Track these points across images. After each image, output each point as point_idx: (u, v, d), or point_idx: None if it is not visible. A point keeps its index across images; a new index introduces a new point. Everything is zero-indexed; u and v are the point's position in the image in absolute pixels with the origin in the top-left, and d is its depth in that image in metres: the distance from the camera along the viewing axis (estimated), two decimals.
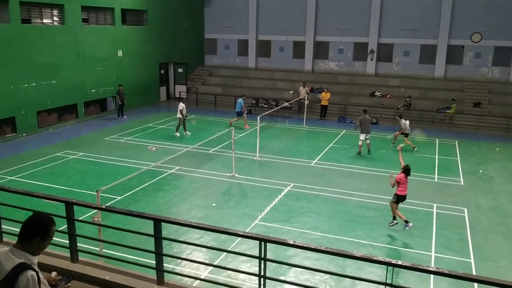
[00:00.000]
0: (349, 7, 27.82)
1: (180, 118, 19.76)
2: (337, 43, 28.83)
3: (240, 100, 22.07)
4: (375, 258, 4.44)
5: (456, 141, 20.13)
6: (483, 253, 10.06)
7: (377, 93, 26.15)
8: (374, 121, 19.23)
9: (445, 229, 11.19)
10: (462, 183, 14.72)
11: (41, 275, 3.22)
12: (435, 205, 12.68)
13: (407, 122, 18.56)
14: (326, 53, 29.32)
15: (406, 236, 10.77)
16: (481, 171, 16.07)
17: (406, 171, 11.13)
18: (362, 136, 17.44)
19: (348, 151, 18.18)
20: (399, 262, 4.30)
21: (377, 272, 8.65)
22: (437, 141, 20.07)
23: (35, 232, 3.21)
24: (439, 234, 10.91)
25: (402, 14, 26.75)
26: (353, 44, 28.44)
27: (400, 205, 11.21)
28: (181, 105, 19.78)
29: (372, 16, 27.37)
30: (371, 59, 27.93)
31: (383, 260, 4.36)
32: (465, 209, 12.44)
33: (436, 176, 15.37)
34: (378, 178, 14.88)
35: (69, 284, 3.51)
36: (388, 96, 25.78)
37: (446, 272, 4.14)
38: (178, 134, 19.95)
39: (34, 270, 3.14)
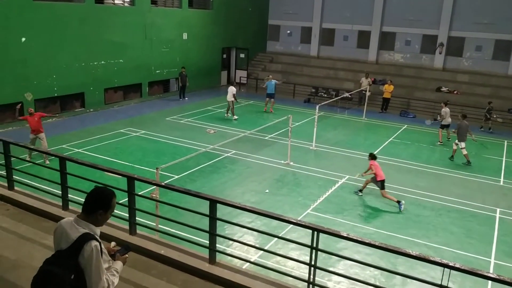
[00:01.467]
0: None
1: (232, 101, 19.97)
2: (405, 35, 27.79)
3: (273, 81, 22.16)
4: (431, 259, 4.30)
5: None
6: None
7: (443, 89, 25.01)
8: (438, 118, 18.41)
9: (508, 236, 10.61)
10: None
11: (102, 246, 3.38)
12: (498, 209, 12.03)
13: (448, 110, 18.07)
14: (392, 44, 28.37)
15: (465, 239, 10.33)
16: None
17: (373, 156, 12.25)
18: (463, 144, 15.66)
19: (409, 146, 17.59)
20: (457, 265, 4.13)
21: (430, 274, 8.38)
22: (505, 143, 18.95)
23: (98, 204, 3.35)
24: (501, 240, 10.36)
25: (476, 6, 25.26)
26: (421, 36, 27.30)
27: (452, 204, 10.72)
28: (233, 89, 19.97)
29: (444, 7, 26.07)
30: (440, 53, 26.71)
31: (440, 261, 4.22)
32: None
33: (502, 179, 14.54)
34: (438, 177, 14.32)
35: (127, 255, 3.66)
36: (455, 92, 24.59)
37: (508, 280, 3.93)
38: (236, 117, 20.20)
39: (98, 240, 3.28)
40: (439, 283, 4.24)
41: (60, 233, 3.32)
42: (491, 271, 8.96)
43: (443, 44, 26.49)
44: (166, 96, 24.47)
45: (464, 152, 15.65)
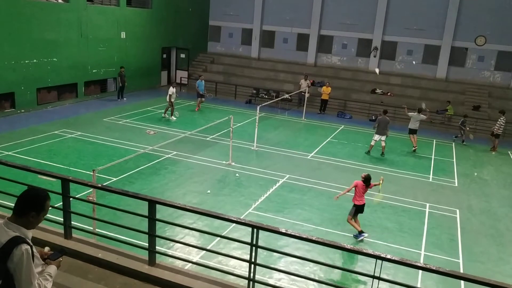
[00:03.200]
0: (356, 3, 27.72)
1: (171, 102, 19.83)
2: (341, 38, 28.75)
3: (201, 81, 22.69)
4: (364, 251, 4.51)
5: (453, 143, 20.22)
6: (472, 254, 10.17)
7: (378, 91, 26.16)
8: (373, 118, 19.17)
9: (436, 229, 11.29)
10: (456, 185, 14.82)
11: (34, 249, 3.25)
12: (428, 204, 12.78)
13: (414, 115, 18.18)
14: (329, 47, 29.26)
15: (397, 233, 10.87)
16: (476, 174, 16.17)
17: (366, 180, 10.39)
18: (377, 137, 16.94)
19: (345, 146, 18.23)
20: (388, 256, 4.37)
21: (366, 267, 8.75)
22: (434, 142, 20.15)
23: (31, 206, 3.22)
24: (430, 233, 11.01)
25: (408, 13, 26.67)
26: (357, 40, 28.37)
27: (386, 201, 11.26)
28: (171, 90, 19.84)
29: (378, 13, 27.28)
30: (374, 56, 27.90)
31: (372, 253, 4.44)
32: (457, 210, 12.54)
33: (431, 176, 15.46)
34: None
35: (61, 258, 3.55)
36: (389, 94, 25.80)
37: (434, 268, 4.21)
38: (175, 118, 20.03)
39: (29, 244, 3.15)
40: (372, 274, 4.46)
41: None
42: (421, 261, 9.49)
43: (377, 48, 27.70)
44: (104, 96, 23.73)
45: (372, 143, 17.10)
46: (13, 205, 3.27)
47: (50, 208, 3.41)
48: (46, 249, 3.63)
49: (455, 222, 11.80)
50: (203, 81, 22.79)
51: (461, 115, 22.42)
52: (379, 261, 4.36)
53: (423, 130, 21.88)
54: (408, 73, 27.31)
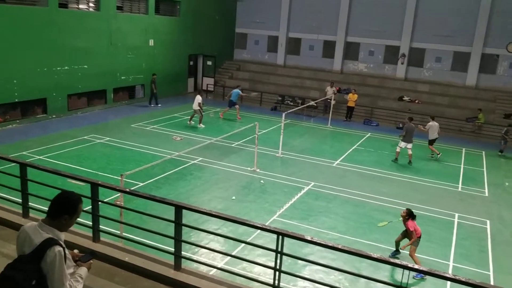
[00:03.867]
0: (383, 9, 27.47)
1: (199, 109, 19.96)
2: (368, 45, 28.52)
3: (237, 90, 22.43)
4: (391, 261, 4.44)
5: (484, 152, 19.72)
6: (503, 267, 9.87)
7: (405, 98, 25.78)
8: (400, 125, 18.85)
9: (466, 240, 11.02)
10: (487, 195, 14.44)
11: (67, 251, 3.34)
12: (456, 214, 12.49)
13: (434, 124, 17.80)
14: (356, 54, 29.05)
15: (424, 243, 10.64)
16: (507, 183, 15.73)
17: (413, 215, 9.57)
18: (403, 144, 16.75)
19: (372, 154, 18.01)
20: (416, 266, 4.29)
21: (393, 277, 8.60)
22: (463, 151, 19.70)
23: (64, 209, 3.32)
24: (459, 244, 10.75)
25: (437, 20, 26.24)
26: (384, 46, 28.09)
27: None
28: (199, 97, 19.97)
29: (406, 19, 26.96)
30: (402, 63, 27.55)
31: (399, 263, 4.36)
32: (488, 221, 12.21)
33: (460, 185, 15.11)
34: (400, 183, 14.73)
35: (91, 261, 3.63)
36: (416, 101, 25.39)
37: (463, 280, 4.11)
38: (203, 125, 20.18)
39: (61, 245, 3.24)
40: (400, 284, 4.38)
41: (23, 238, 3.28)
42: (450, 273, 9.26)
43: (405, 55, 27.35)
44: (132, 102, 24.17)
45: (398, 150, 16.90)
46: (45, 208, 3.37)
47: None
48: (76, 251, 3.72)
49: (485, 233, 11.49)
50: (239, 90, 22.65)
51: (492, 123, 21.91)
52: (406, 271, 4.29)
53: (452, 139, 21.50)
54: (437, 80, 26.84)
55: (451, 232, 11.37)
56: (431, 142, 18.11)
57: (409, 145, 16.76)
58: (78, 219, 3.52)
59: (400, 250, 9.77)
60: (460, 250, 10.45)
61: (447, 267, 9.63)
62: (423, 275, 8.86)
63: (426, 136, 18.17)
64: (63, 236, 3.37)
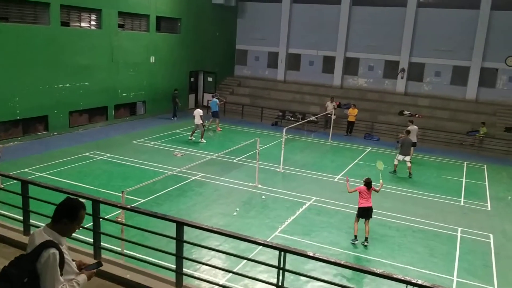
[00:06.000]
0: (381, 25, 27.71)
1: (201, 123, 19.99)
2: (368, 60, 28.71)
3: (214, 99, 22.67)
4: (394, 276, 4.41)
5: (485, 166, 19.68)
6: (508, 282, 9.77)
7: (405, 112, 25.85)
8: (398, 142, 18.83)
9: (469, 254, 10.94)
10: (489, 209, 14.37)
11: (67, 256, 3.46)
12: (459, 229, 12.41)
13: (414, 128, 18.54)
14: (355, 70, 29.23)
15: (428, 258, 10.57)
16: (509, 197, 15.66)
17: (367, 184, 11.24)
18: (400, 157, 17.07)
19: (373, 168, 17.93)
20: (419, 282, 4.25)
21: None
22: (465, 164, 19.66)
23: (64, 213, 3.48)
24: (462, 258, 10.66)
25: (435, 34, 26.47)
26: (383, 61, 28.27)
27: (416, 225, 10.97)
28: (200, 111, 20.03)
29: (405, 34, 27.18)
30: (401, 78, 27.69)
31: (402, 278, 4.33)
32: (491, 235, 12.12)
33: (462, 199, 15.05)
34: (402, 198, 14.68)
35: (95, 270, 3.67)
36: (417, 115, 25.44)
37: None
38: (204, 141, 20.21)
39: (58, 249, 3.35)
40: None
41: (31, 239, 3.48)
42: None
43: (404, 70, 27.51)
44: (133, 119, 24.25)
45: (396, 162, 17.17)
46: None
47: (80, 228, 3.58)
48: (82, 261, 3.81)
49: (489, 248, 11.40)
50: (217, 99, 22.94)
51: (493, 137, 21.90)
52: (409, 287, 4.25)
53: (453, 152, 21.51)
54: (437, 94, 26.94)
55: (455, 247, 11.29)
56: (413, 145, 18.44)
57: (407, 158, 16.94)
58: (78, 236, 3.57)
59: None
60: (464, 264, 10.37)
61: (451, 283, 9.54)
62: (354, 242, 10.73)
63: (427, 150, 18.19)
64: (64, 240, 3.49)
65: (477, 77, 25.89)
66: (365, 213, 11.05)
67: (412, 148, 18.17)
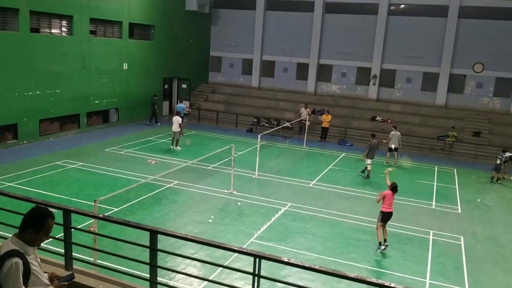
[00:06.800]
0: (354, 32, 28.19)
1: (178, 131, 19.84)
2: (341, 67, 29.14)
3: (182, 105, 23.98)
4: (368, 280, 4.45)
5: (455, 169, 20.17)
6: (478, 282, 10.01)
7: (378, 118, 26.31)
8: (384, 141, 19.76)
9: (441, 256, 11.16)
10: (460, 211, 14.72)
11: (35, 267, 3.39)
12: (431, 231, 12.66)
13: (396, 133, 19.65)
14: (329, 76, 29.61)
15: (401, 261, 10.74)
16: (479, 200, 16.08)
17: (394, 188, 11.31)
18: (369, 161, 17.59)
19: (347, 173, 18.20)
20: (392, 285, 4.31)
21: None
22: (436, 168, 20.11)
23: (29, 223, 3.42)
24: (434, 261, 10.87)
25: (406, 42, 27.11)
26: (356, 68, 28.74)
27: (390, 228, 11.18)
28: (179, 119, 19.90)
29: (376, 42, 27.72)
30: (374, 84, 28.19)
31: (376, 282, 4.37)
32: (462, 237, 12.42)
33: (433, 203, 15.37)
34: (375, 202, 14.84)
35: (66, 283, 3.59)
36: (389, 121, 25.92)
37: None
38: (180, 148, 20.05)
39: (22, 258, 3.28)
40: None
41: None
42: None
43: (376, 76, 28.02)
44: (106, 126, 23.88)
45: (369, 168, 17.65)
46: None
47: (50, 239, 3.50)
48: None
49: (460, 249, 11.67)
50: (182, 104, 23.32)
51: (462, 141, 22.49)
52: None
53: (424, 157, 21.98)
54: (408, 100, 27.54)
55: (427, 249, 11.51)
56: (390, 149, 19.77)
57: (369, 161, 17.58)
58: (49, 246, 3.49)
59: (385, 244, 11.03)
60: (436, 267, 10.58)
61: (424, 285, 9.71)
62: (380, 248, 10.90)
63: (399, 154, 18.58)
64: (31, 250, 3.41)
65: (446, 83, 26.61)
66: (388, 217, 11.19)
67: (395, 153, 19.70)
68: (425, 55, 26.83)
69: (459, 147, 23.31)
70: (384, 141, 20.01)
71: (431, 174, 19.12)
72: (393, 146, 19.87)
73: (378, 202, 11.45)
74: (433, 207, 14.98)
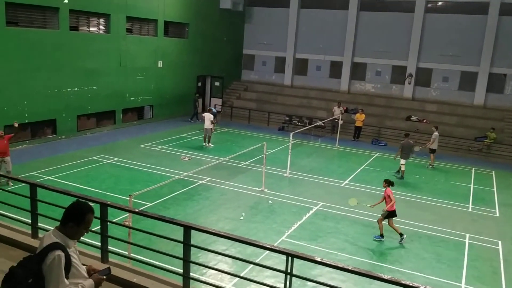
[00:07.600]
0: (389, 30, 27.68)
1: (210, 128, 19.95)
2: (375, 65, 28.67)
3: (210, 114, 20.40)
4: (403, 282, 4.37)
5: (493, 172, 19.52)
6: None
7: (413, 118, 25.76)
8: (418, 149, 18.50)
9: (477, 261, 10.84)
10: (498, 215, 14.25)
11: (75, 260, 3.47)
12: (467, 235, 12.31)
13: (437, 135, 19.15)
14: (363, 75, 29.19)
15: (436, 264, 10.49)
16: None
17: (391, 182, 11.68)
18: (403, 161, 17.24)
19: (380, 174, 17.90)
20: None
21: None
22: (473, 170, 19.52)
23: (70, 217, 3.49)
24: (470, 265, 10.57)
25: (443, 40, 26.40)
26: (391, 67, 28.22)
27: (424, 230, 10.91)
28: (211, 115, 19.98)
29: (412, 40, 27.13)
30: (409, 83, 27.61)
31: (411, 284, 4.30)
32: (500, 242, 12.02)
33: (470, 205, 14.93)
34: (409, 203, 14.60)
35: (105, 277, 3.66)
36: (424, 121, 25.34)
37: None
38: (212, 145, 20.20)
39: (64, 251, 3.36)
40: None
41: (41, 241, 3.51)
42: None
43: (412, 75, 27.43)
44: (140, 123, 24.35)
45: (403, 168, 17.29)
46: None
47: (88, 232, 3.60)
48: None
49: (498, 254, 11.30)
50: (211, 114, 20.67)
51: (502, 143, 21.71)
52: None
53: (461, 158, 21.40)
54: (444, 100, 26.83)
55: (463, 253, 11.20)
56: (433, 151, 19.18)
57: (403, 161, 17.21)
58: (86, 239, 3.58)
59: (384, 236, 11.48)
60: (472, 271, 10.28)
61: None
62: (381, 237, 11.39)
63: (438, 157, 18.27)
64: (71, 243, 3.50)
65: (485, 82, 25.76)
66: (394, 215, 11.49)
67: (432, 155, 19.15)
68: (463, 54, 26.05)
69: (498, 148, 22.54)
70: (428, 144, 19.22)
71: (468, 176, 18.58)
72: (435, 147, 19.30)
73: (379, 203, 11.76)
74: (470, 210, 14.56)
